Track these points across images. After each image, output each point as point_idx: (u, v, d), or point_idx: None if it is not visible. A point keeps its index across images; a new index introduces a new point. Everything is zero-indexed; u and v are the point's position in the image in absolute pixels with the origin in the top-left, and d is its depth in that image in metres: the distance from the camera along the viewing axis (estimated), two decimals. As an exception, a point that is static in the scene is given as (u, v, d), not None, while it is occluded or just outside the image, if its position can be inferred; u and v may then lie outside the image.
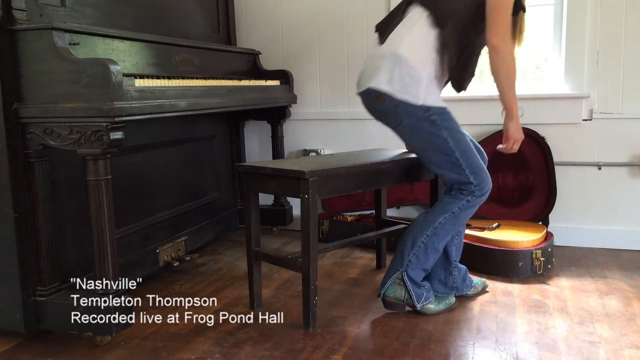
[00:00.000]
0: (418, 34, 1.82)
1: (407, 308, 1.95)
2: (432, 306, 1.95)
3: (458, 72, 1.88)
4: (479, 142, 2.74)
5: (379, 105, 1.86)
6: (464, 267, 2.12)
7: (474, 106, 2.79)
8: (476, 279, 2.16)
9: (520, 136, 1.94)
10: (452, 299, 2.02)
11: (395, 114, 1.84)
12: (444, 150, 1.86)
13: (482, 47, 1.89)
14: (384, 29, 1.92)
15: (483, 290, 2.15)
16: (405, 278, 1.91)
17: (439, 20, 1.80)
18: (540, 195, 2.70)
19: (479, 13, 1.80)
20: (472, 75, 1.93)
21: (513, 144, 1.95)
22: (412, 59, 1.80)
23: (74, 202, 1.87)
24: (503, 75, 1.85)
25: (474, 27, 1.82)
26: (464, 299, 2.08)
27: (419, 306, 1.92)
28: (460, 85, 1.91)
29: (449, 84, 1.93)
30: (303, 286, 1.83)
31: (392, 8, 2.55)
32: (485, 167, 1.94)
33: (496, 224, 2.56)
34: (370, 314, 1.97)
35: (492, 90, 2.82)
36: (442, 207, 1.92)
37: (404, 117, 1.84)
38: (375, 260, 2.48)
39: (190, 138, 2.60)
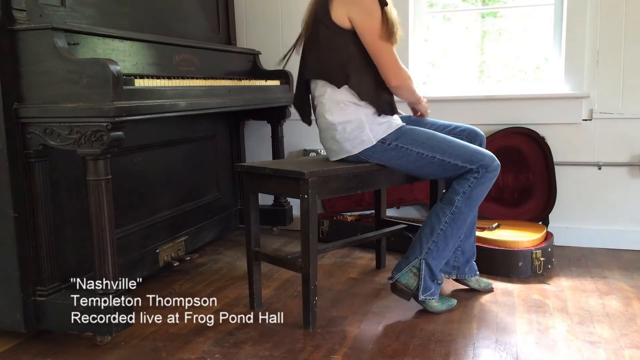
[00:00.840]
0: (333, 99, 1.90)
1: (412, 300, 1.95)
2: (435, 304, 1.94)
3: (387, 96, 1.94)
4: (479, 142, 2.76)
5: (350, 160, 1.96)
6: (472, 250, 2.14)
7: (474, 106, 2.79)
8: (483, 279, 2.18)
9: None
10: (454, 301, 2.00)
11: (369, 160, 1.94)
12: (425, 162, 1.91)
13: None
14: (301, 108, 2.06)
15: (485, 290, 2.15)
16: (423, 266, 1.90)
17: (338, 82, 1.87)
18: (540, 195, 2.70)
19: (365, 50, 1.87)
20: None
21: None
22: (344, 121, 1.89)
23: (74, 202, 1.87)
24: (409, 96, 2.02)
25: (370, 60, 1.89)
26: (464, 299, 2.08)
27: (421, 297, 1.91)
28: (392, 109, 1.94)
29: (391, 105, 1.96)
30: (303, 286, 1.83)
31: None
32: (478, 147, 1.96)
33: (496, 224, 2.56)
34: (370, 314, 1.97)
35: (492, 90, 2.84)
36: (453, 191, 1.93)
37: (373, 160, 1.93)
38: (375, 260, 2.48)
39: (190, 138, 2.60)
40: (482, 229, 2.49)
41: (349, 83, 1.87)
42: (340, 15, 1.83)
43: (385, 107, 1.91)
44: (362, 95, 1.87)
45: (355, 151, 1.91)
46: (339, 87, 1.88)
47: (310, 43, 1.94)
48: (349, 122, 1.88)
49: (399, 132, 1.91)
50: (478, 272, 2.16)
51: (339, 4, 1.83)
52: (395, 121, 1.95)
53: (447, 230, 1.92)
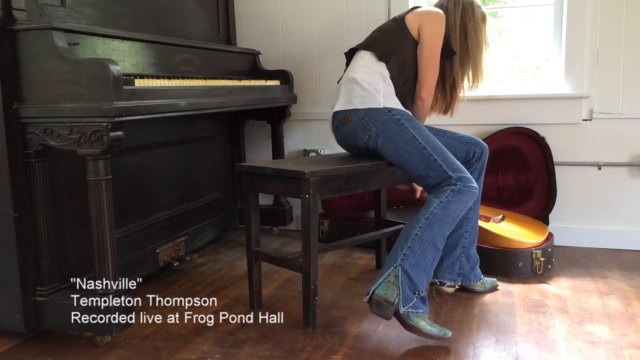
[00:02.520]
0: (368, 65, 2.05)
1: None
2: (421, 321, 1.74)
3: (408, 95, 2.12)
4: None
5: (349, 126, 2.00)
6: (476, 256, 2.14)
7: (474, 106, 2.79)
8: (486, 278, 2.17)
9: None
10: (449, 332, 1.76)
11: (364, 125, 1.96)
12: (414, 148, 1.90)
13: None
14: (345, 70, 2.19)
15: (492, 289, 2.16)
16: (400, 273, 1.74)
17: (381, 56, 2.05)
18: (540, 195, 2.70)
19: (416, 56, 2.08)
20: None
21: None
22: (366, 80, 2.01)
23: (74, 202, 1.87)
24: (422, 117, 2.14)
25: (414, 65, 2.08)
26: (464, 298, 2.08)
27: (402, 310, 1.72)
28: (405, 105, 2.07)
29: None
30: (303, 286, 1.83)
31: (392, 8, 2.54)
32: (465, 169, 1.90)
33: (501, 215, 2.54)
34: (370, 314, 1.96)
35: (492, 90, 2.84)
36: (429, 201, 1.87)
37: (371, 125, 1.95)
38: (375, 260, 2.48)
39: (190, 138, 2.60)
40: (488, 219, 2.47)
41: (389, 63, 2.03)
42: (413, 22, 2.06)
43: (404, 97, 2.07)
44: (393, 75, 2.03)
45: (361, 106, 1.96)
46: (378, 59, 2.04)
47: (375, 32, 2.14)
48: (368, 82, 2.00)
49: (405, 114, 1.97)
50: (482, 276, 2.16)
51: (416, 15, 2.07)
52: (406, 110, 2.03)
53: (423, 236, 1.79)
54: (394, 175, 2.06)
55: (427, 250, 1.79)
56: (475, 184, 1.88)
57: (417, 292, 1.75)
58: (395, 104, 1.99)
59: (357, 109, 1.97)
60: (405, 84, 2.09)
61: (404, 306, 1.72)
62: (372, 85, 1.99)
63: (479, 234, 2.35)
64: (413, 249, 1.78)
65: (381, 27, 2.15)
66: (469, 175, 1.89)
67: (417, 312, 1.73)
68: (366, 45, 2.09)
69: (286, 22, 3.05)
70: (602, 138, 2.66)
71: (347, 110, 2.00)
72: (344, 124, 2.01)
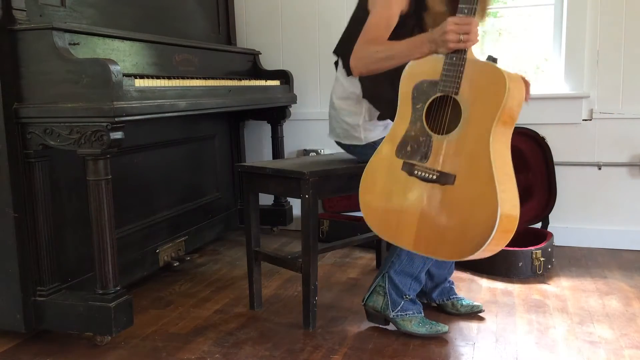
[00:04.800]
0: (341, 83, 1.87)
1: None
2: (409, 324, 1.75)
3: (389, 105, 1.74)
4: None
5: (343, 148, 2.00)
6: (443, 276, 1.96)
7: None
8: (465, 300, 1.97)
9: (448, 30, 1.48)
10: (444, 327, 1.77)
11: (354, 154, 1.96)
12: None
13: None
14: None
15: (468, 313, 1.94)
16: (386, 280, 1.77)
17: (349, 67, 1.74)
18: (540, 195, 2.70)
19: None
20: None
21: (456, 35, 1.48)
22: (344, 109, 1.87)
23: (74, 202, 1.87)
24: (376, 65, 1.66)
25: None
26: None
27: (391, 315, 1.75)
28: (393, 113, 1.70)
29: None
30: (303, 286, 1.83)
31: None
32: None
33: None
34: (370, 314, 1.97)
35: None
36: None
37: (360, 156, 1.92)
38: (375, 260, 2.48)
39: (190, 138, 2.60)
40: None
41: (362, 80, 1.79)
42: None
43: (386, 110, 1.81)
44: (365, 82, 1.78)
45: (346, 141, 1.93)
46: (347, 72, 1.80)
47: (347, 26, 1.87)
48: (347, 114, 1.86)
49: None
50: (455, 296, 1.97)
51: None
52: (388, 127, 1.87)
53: None
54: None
55: (414, 256, 1.76)
56: None
57: (404, 296, 1.77)
58: (378, 134, 1.85)
59: (343, 143, 1.95)
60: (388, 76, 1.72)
61: (392, 311, 1.76)
62: (351, 118, 1.85)
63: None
64: (400, 257, 1.78)
65: (351, 16, 1.84)
66: None
67: (406, 314, 1.76)
68: (337, 49, 1.90)
69: (286, 22, 3.05)
70: (602, 138, 2.66)
71: (335, 140, 1.97)
72: (338, 145, 2.01)
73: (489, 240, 1.42)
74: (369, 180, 1.62)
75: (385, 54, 1.62)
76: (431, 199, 1.50)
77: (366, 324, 1.88)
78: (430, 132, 1.53)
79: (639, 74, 2.58)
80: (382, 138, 1.72)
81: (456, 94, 1.48)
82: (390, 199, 1.57)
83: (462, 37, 1.45)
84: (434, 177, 1.49)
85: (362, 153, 1.90)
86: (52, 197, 1.74)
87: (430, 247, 1.51)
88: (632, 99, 2.60)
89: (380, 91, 1.78)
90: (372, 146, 1.80)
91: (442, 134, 1.51)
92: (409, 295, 1.78)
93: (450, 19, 1.46)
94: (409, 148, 1.55)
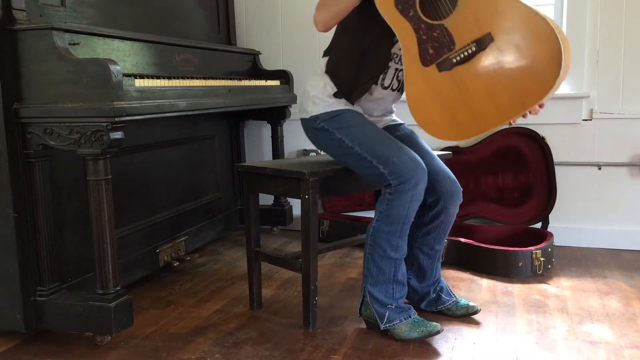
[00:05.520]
0: (316, 73, 1.88)
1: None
2: (401, 331, 1.73)
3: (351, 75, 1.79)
4: (478, 143, 2.76)
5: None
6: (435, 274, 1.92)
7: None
8: (468, 301, 1.93)
9: None
10: (435, 326, 1.73)
11: (305, 131, 1.91)
12: (345, 150, 1.77)
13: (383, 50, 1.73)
14: None
15: (468, 313, 1.90)
16: (367, 294, 1.76)
17: (324, 53, 1.87)
18: (540, 195, 2.70)
19: (361, 16, 1.72)
20: (368, 81, 1.77)
21: None
22: (310, 84, 1.87)
23: (74, 202, 1.87)
24: (335, 4, 1.68)
25: (363, 26, 1.74)
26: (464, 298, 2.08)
27: (382, 327, 1.73)
28: (350, 92, 1.79)
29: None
30: (303, 286, 1.83)
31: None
32: (410, 155, 1.70)
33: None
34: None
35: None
36: (374, 213, 1.78)
37: (307, 134, 1.90)
38: (375, 260, 2.47)
39: (190, 138, 2.60)
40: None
41: (330, 54, 1.84)
42: None
43: (344, 85, 1.78)
44: (337, 59, 1.80)
45: (300, 117, 1.89)
46: (323, 56, 1.88)
47: None
48: (310, 87, 1.86)
49: (331, 115, 1.79)
50: (444, 305, 1.92)
51: None
52: (342, 104, 1.80)
53: (373, 254, 1.74)
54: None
55: (382, 265, 1.74)
56: (416, 176, 1.65)
57: (387, 305, 1.75)
58: (322, 107, 1.80)
59: (301, 121, 1.90)
60: (366, 49, 1.74)
61: (381, 323, 1.74)
62: (311, 90, 1.84)
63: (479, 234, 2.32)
64: (369, 269, 1.76)
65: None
66: (408, 167, 1.66)
67: (393, 324, 1.73)
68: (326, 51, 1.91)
69: (286, 22, 3.05)
70: (602, 138, 2.66)
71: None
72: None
73: (562, 51, 1.38)
74: (422, 110, 1.58)
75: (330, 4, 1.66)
76: (485, 69, 1.48)
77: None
78: (438, 22, 1.51)
79: (639, 74, 2.59)
80: (323, 112, 1.79)
81: None
82: (452, 104, 1.54)
83: None
84: (473, 49, 1.48)
85: (308, 131, 1.88)
86: (52, 197, 1.74)
87: (518, 105, 1.47)
88: (632, 99, 2.60)
89: (340, 67, 1.79)
90: (314, 120, 1.82)
91: (449, 14, 1.50)
92: (392, 305, 1.74)
93: None
94: (431, 51, 1.53)
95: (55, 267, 1.75)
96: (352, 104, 1.82)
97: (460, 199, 1.84)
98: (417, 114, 1.60)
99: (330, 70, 1.82)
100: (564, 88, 2.68)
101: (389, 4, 1.57)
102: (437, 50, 1.53)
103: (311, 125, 1.85)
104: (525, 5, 1.43)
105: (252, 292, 2.02)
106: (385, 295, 1.75)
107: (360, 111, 1.85)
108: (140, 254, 2.20)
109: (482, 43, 1.47)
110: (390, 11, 1.57)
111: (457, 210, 1.86)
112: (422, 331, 1.72)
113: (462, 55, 1.50)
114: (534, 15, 1.41)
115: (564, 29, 2.65)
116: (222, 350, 1.72)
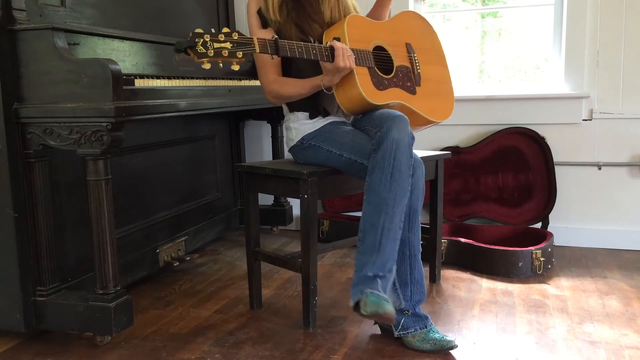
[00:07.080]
0: (287, 119, 1.97)
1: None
2: (414, 341, 1.69)
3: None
4: (478, 143, 2.76)
5: None
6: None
7: (474, 106, 2.79)
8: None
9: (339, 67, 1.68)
10: (450, 343, 1.66)
11: (297, 160, 1.96)
12: (335, 159, 1.79)
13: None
14: None
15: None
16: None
17: None
18: (540, 195, 2.70)
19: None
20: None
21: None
22: (286, 124, 1.96)
23: (74, 202, 1.87)
24: (289, 95, 1.85)
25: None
26: (463, 298, 2.08)
27: (395, 334, 1.71)
28: (317, 110, 1.89)
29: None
30: (303, 286, 1.83)
31: (392, 8, 2.54)
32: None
33: None
34: (370, 314, 1.96)
35: (492, 90, 2.84)
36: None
37: (299, 159, 1.94)
38: (375, 260, 2.47)
39: (190, 138, 2.60)
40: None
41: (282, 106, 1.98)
42: None
43: (309, 106, 1.88)
44: (288, 106, 1.93)
45: (291, 152, 1.95)
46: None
47: None
48: (285, 125, 1.96)
49: (317, 131, 1.85)
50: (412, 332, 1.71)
51: None
52: (320, 122, 1.87)
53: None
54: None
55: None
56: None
57: (404, 312, 1.70)
58: (303, 130, 1.87)
59: (292, 153, 1.97)
60: (308, 74, 1.82)
61: (395, 330, 1.71)
62: (286, 128, 1.96)
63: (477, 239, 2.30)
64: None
65: None
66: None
67: (407, 332, 1.69)
68: None
69: (286, 22, 3.04)
70: (602, 138, 2.66)
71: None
72: None
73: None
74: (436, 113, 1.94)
75: (297, 93, 1.83)
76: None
77: (366, 324, 1.88)
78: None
79: (639, 74, 2.58)
80: (306, 134, 1.87)
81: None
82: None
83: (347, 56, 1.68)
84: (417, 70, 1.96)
85: (299, 155, 1.91)
86: (52, 197, 1.74)
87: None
88: (632, 99, 2.60)
89: (295, 99, 1.87)
90: (300, 143, 1.88)
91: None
92: (408, 311, 1.70)
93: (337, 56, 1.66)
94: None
95: (55, 267, 1.75)
96: (327, 115, 1.89)
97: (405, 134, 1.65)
98: (436, 116, 1.93)
99: (292, 105, 1.91)
100: (564, 88, 2.68)
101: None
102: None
103: (300, 147, 1.89)
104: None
105: (252, 292, 2.02)
106: (404, 297, 1.70)
107: (339, 119, 1.90)
108: (140, 254, 2.20)
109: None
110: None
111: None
112: (434, 344, 1.66)
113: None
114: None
115: (564, 29, 2.65)
116: (222, 350, 1.72)
